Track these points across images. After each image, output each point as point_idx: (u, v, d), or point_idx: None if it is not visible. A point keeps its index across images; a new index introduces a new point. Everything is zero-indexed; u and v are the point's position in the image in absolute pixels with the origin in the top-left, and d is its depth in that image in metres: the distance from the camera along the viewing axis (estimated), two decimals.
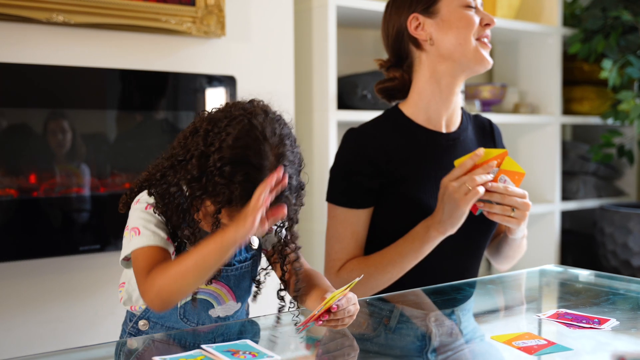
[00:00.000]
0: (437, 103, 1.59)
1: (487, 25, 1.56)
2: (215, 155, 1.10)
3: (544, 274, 1.64)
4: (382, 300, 1.42)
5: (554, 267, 1.69)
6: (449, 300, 1.45)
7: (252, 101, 1.19)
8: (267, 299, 1.33)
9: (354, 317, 1.11)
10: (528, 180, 3.56)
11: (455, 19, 1.54)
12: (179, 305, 1.24)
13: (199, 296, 1.24)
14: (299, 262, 1.25)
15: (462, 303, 1.46)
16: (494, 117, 3.11)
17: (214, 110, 1.19)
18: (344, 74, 2.85)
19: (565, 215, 3.74)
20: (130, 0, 2.08)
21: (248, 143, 1.10)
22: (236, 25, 2.33)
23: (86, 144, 2.07)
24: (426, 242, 1.48)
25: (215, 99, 2.25)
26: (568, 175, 3.58)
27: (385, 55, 1.69)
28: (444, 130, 1.61)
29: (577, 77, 3.58)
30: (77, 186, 2.03)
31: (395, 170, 1.55)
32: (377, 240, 1.59)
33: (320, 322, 1.07)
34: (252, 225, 1.04)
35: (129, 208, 1.24)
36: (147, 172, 1.25)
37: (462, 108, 1.68)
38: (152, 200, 1.19)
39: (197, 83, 2.21)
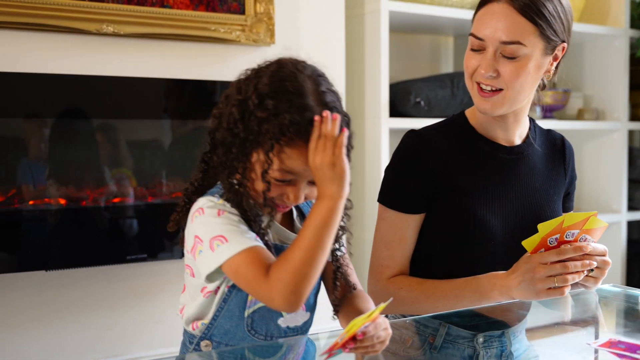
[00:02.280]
0: (491, 121, 1.52)
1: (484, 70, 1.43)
2: (253, 97, 1.08)
3: (601, 293, 1.55)
4: (430, 318, 1.37)
5: (612, 287, 1.59)
6: (497, 323, 1.39)
7: None
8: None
9: (386, 342, 1.06)
10: (592, 189, 3.43)
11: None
12: (246, 315, 1.17)
13: None
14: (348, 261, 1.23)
15: (512, 325, 1.39)
16: (556, 124, 3.00)
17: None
18: (397, 80, 2.79)
19: (632, 226, 3.57)
20: (179, 9, 2.08)
21: (283, 76, 1.09)
22: (286, 33, 2.31)
23: (134, 154, 2.08)
24: (487, 298, 1.40)
25: None
26: (636, 183, 3.42)
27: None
28: (505, 144, 1.54)
29: None
30: (124, 196, 2.05)
31: (451, 179, 1.49)
32: (426, 250, 1.53)
33: (347, 350, 1.03)
34: (339, 152, 1.03)
35: (178, 225, 1.20)
36: (190, 183, 1.22)
37: (533, 121, 1.60)
38: (220, 202, 1.12)
39: None
